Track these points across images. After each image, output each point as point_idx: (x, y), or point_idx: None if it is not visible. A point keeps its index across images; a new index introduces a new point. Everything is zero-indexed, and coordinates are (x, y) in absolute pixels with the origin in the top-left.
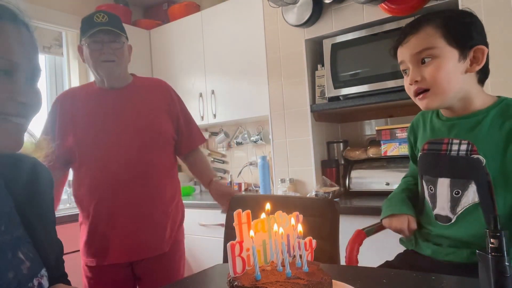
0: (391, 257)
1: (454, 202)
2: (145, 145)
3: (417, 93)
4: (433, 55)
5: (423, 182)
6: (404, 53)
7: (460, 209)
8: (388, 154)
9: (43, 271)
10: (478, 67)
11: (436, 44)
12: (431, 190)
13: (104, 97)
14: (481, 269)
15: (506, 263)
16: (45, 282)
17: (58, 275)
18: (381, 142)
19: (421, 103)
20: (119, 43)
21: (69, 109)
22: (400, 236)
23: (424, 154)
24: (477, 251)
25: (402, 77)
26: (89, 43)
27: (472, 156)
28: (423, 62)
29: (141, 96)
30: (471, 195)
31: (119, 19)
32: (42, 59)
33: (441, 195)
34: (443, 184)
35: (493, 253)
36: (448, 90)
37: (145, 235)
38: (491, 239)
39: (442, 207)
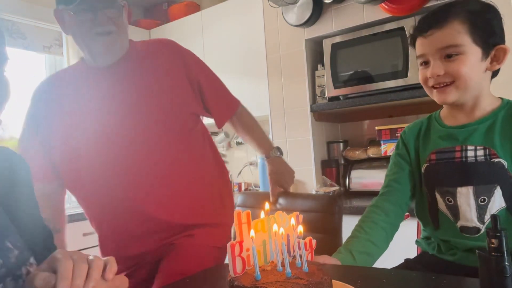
0: (400, 259)
1: (481, 210)
2: (162, 135)
3: (435, 86)
4: (458, 52)
5: (437, 194)
6: (426, 47)
7: (488, 217)
8: (388, 154)
9: (32, 260)
10: (498, 66)
11: (462, 42)
12: (450, 202)
13: (98, 79)
14: (481, 269)
15: (506, 263)
16: (34, 269)
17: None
18: (381, 142)
19: (439, 95)
20: (117, 9)
21: (55, 101)
22: (415, 238)
23: (433, 164)
24: (477, 251)
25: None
26: (76, 12)
27: (493, 160)
28: (447, 57)
29: (145, 67)
30: (498, 201)
31: None
32: (42, 59)
33: (465, 205)
34: (466, 193)
35: (493, 253)
36: (469, 86)
37: None
38: (491, 239)
39: (468, 218)
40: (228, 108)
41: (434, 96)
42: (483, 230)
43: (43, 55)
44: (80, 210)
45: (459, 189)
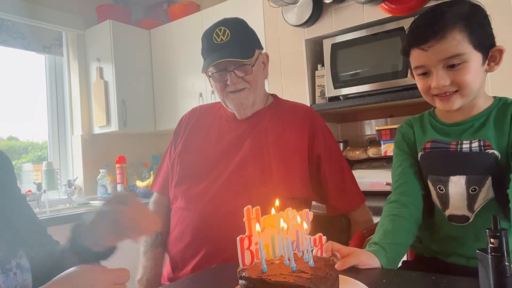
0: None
1: (472, 199)
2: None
3: (438, 95)
4: (461, 60)
5: (428, 183)
6: (427, 58)
7: (477, 206)
8: (388, 154)
9: (21, 252)
10: (496, 67)
11: (464, 50)
12: (441, 190)
13: (235, 122)
14: (481, 269)
15: (506, 263)
16: (23, 261)
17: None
18: (381, 142)
19: (443, 104)
20: (247, 67)
21: (194, 126)
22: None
23: (428, 153)
24: (477, 250)
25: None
26: (211, 74)
27: (487, 151)
28: (450, 66)
29: (275, 129)
30: (487, 191)
31: (245, 28)
32: (42, 59)
33: (455, 193)
34: (457, 182)
35: (493, 253)
36: (473, 92)
37: None
38: (491, 239)
39: (457, 206)
40: (338, 206)
41: (437, 104)
42: (472, 218)
43: (43, 55)
44: (79, 210)
45: (451, 178)
